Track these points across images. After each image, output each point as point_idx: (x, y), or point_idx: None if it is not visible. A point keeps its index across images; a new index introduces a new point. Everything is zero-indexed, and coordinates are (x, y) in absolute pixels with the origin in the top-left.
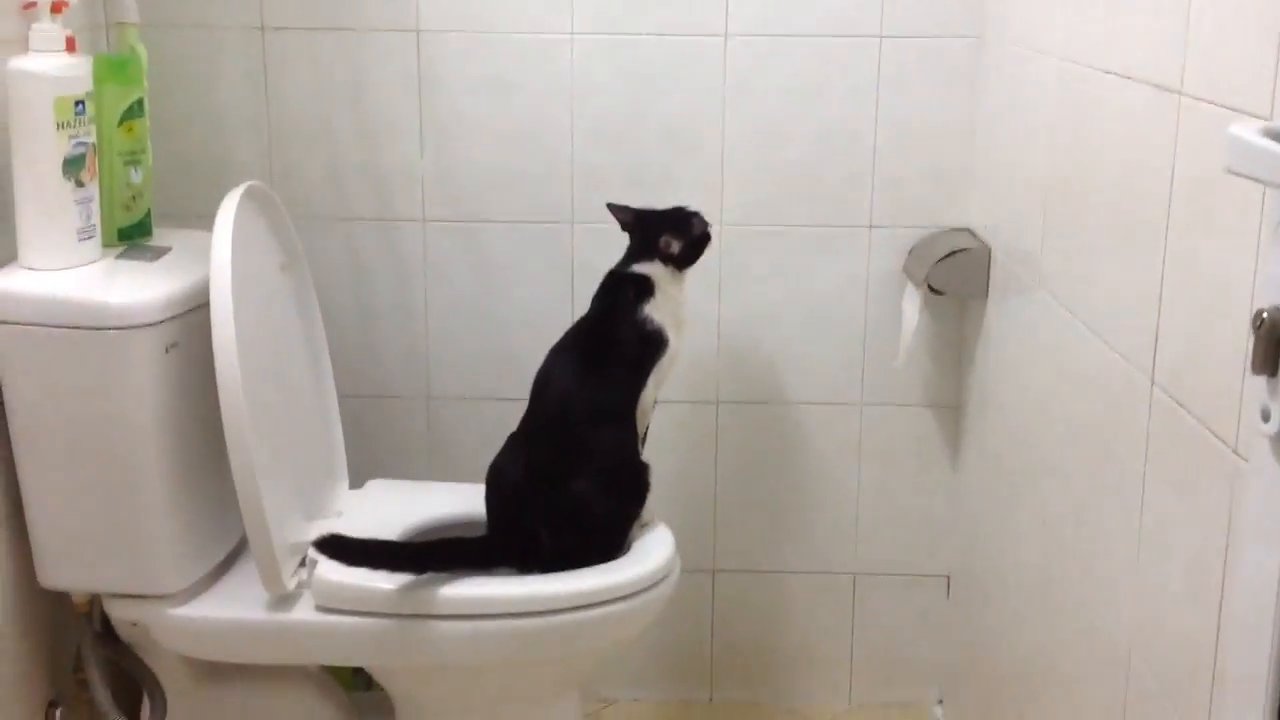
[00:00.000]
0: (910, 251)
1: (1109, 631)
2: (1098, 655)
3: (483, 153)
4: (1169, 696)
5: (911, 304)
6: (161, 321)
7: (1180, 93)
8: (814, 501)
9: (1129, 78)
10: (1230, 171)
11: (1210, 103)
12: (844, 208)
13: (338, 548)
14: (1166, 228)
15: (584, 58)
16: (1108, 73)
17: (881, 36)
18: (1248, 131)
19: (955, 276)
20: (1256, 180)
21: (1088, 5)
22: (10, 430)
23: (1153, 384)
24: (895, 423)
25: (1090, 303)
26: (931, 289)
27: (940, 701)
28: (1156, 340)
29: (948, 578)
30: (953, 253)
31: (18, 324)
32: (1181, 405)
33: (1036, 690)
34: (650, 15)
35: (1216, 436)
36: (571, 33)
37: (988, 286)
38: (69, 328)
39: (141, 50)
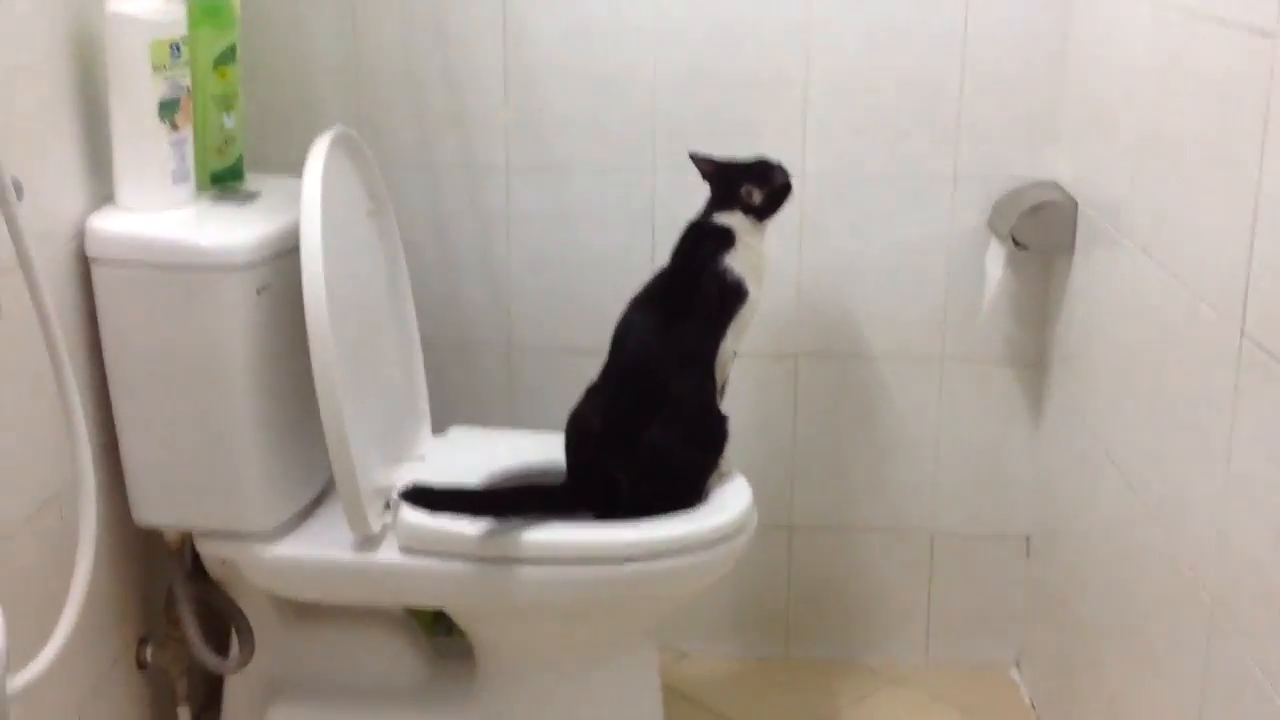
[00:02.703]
0: (995, 205)
1: (1192, 593)
2: (1180, 617)
3: (566, 101)
4: (1253, 656)
5: (995, 259)
6: (253, 264)
7: (1277, 36)
8: (892, 458)
9: (1223, 21)
10: None
11: None
12: (927, 159)
13: (422, 496)
14: (1260, 176)
15: (669, 5)
16: (1201, 17)
17: None
18: None
19: (1040, 230)
20: None
21: None
22: (106, 367)
23: (1242, 335)
24: (976, 379)
25: (1179, 255)
26: (1016, 243)
27: (1018, 663)
28: (1247, 291)
29: (1027, 538)
30: (1038, 206)
31: (114, 263)
32: (1273, 355)
33: (1116, 653)
34: None
35: None
36: None
37: (1074, 241)
38: (163, 267)
39: None
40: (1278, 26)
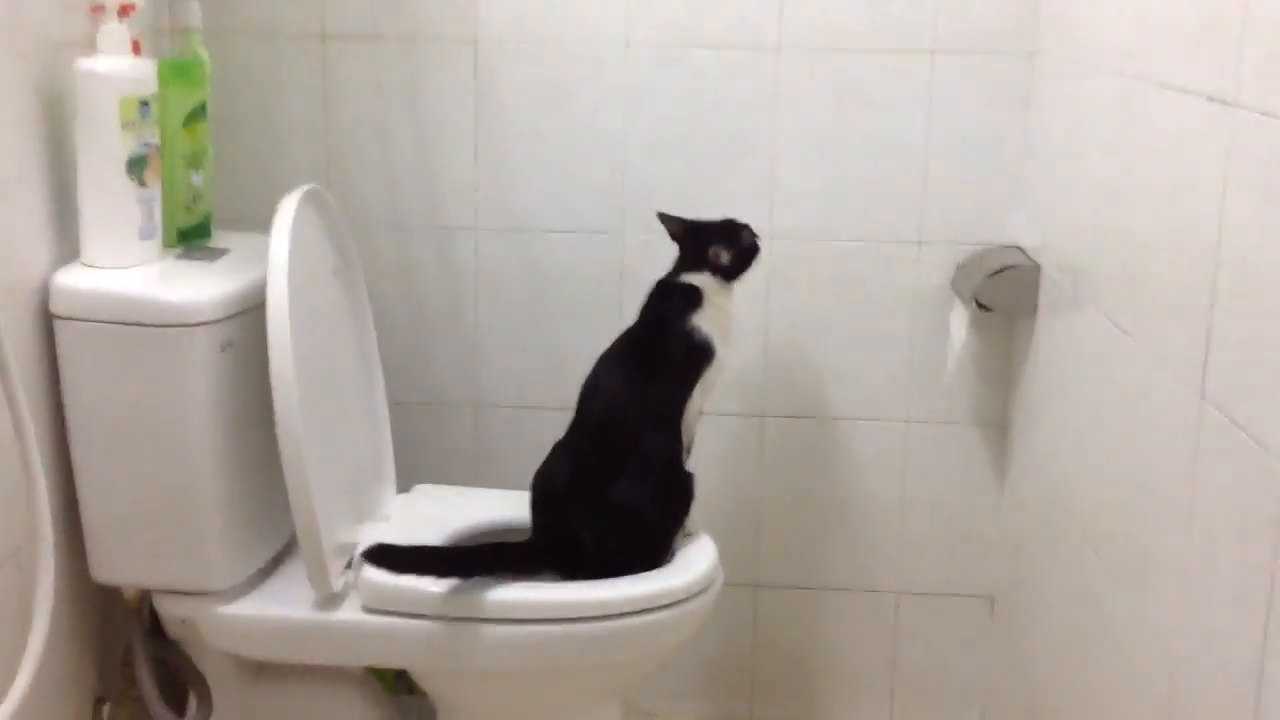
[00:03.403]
0: (959, 267)
1: (1155, 654)
2: (1143, 678)
3: (536, 162)
4: (1216, 718)
5: (959, 321)
6: (218, 320)
7: (1236, 105)
8: (858, 518)
9: (1184, 90)
10: None
11: (1265, 114)
12: (893, 223)
13: (385, 556)
14: (1219, 241)
15: (638, 69)
16: (1162, 86)
17: (934, 51)
18: None
19: (1004, 293)
20: None
21: (1142, 19)
22: (67, 424)
23: (1202, 398)
24: (941, 440)
25: (1140, 319)
26: (980, 305)
27: None
28: (1207, 355)
29: (992, 598)
30: (1002, 269)
31: (78, 319)
32: (1233, 421)
33: (1080, 712)
34: (704, 27)
35: (1268, 451)
36: (626, 44)
37: (1037, 304)
38: (127, 324)
39: (205, 55)
40: (1235, 95)
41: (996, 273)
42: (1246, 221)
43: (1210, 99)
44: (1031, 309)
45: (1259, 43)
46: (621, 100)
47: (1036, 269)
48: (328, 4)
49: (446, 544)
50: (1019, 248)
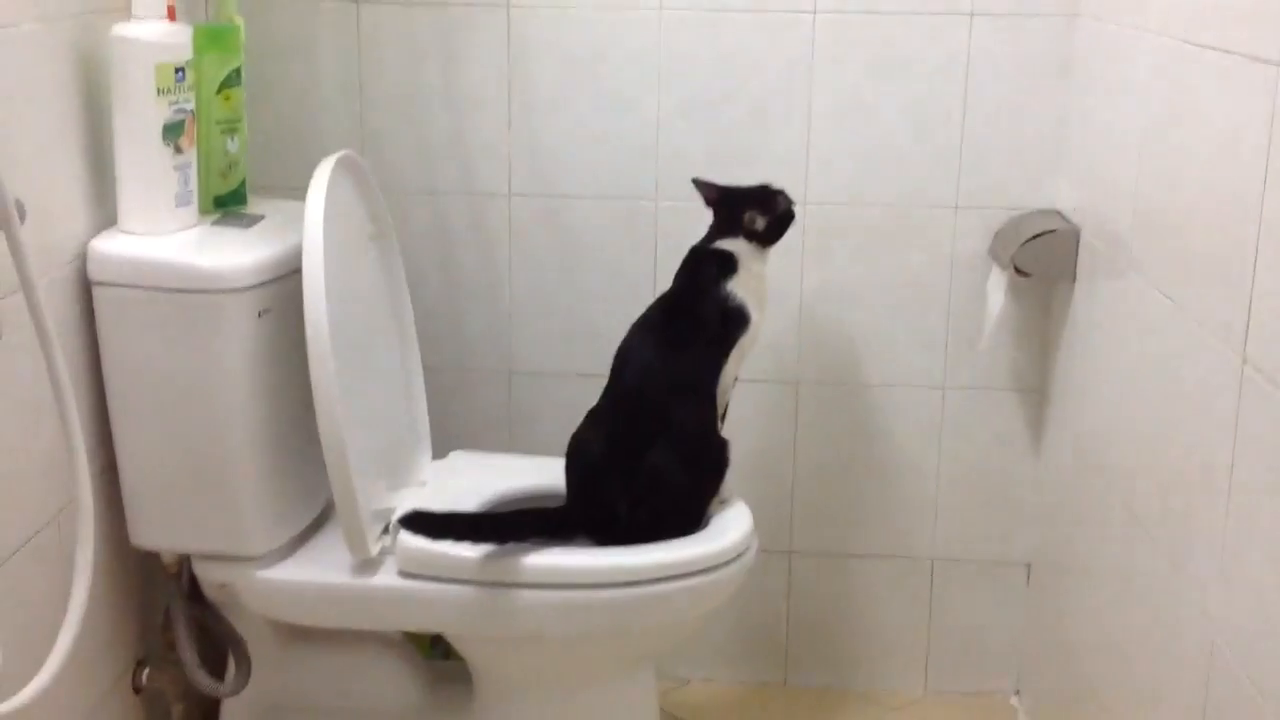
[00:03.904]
0: (996, 233)
1: (1193, 622)
2: (1181, 646)
3: (569, 128)
4: (1255, 689)
5: (997, 286)
6: (254, 286)
7: (1278, 63)
8: (893, 485)
9: (1226, 50)
10: None
11: None
12: (930, 187)
13: (421, 522)
14: (1262, 201)
15: (672, 33)
16: (1203, 46)
17: (972, 14)
18: None
19: (1042, 258)
20: None
21: None
22: (107, 390)
23: (1244, 361)
24: (978, 407)
25: (1181, 282)
26: (1018, 271)
27: (1018, 692)
28: (1249, 317)
29: (1028, 565)
30: (1040, 234)
31: (116, 285)
32: (1274, 383)
33: (1117, 681)
34: None
35: None
36: (660, 7)
37: (1075, 269)
38: (164, 290)
39: (239, 21)
40: (1279, 55)
41: (1035, 237)
42: None
43: (1255, 59)
44: (1070, 274)
45: None
46: (655, 64)
47: (1075, 233)
48: None
49: (482, 510)
50: (1058, 212)
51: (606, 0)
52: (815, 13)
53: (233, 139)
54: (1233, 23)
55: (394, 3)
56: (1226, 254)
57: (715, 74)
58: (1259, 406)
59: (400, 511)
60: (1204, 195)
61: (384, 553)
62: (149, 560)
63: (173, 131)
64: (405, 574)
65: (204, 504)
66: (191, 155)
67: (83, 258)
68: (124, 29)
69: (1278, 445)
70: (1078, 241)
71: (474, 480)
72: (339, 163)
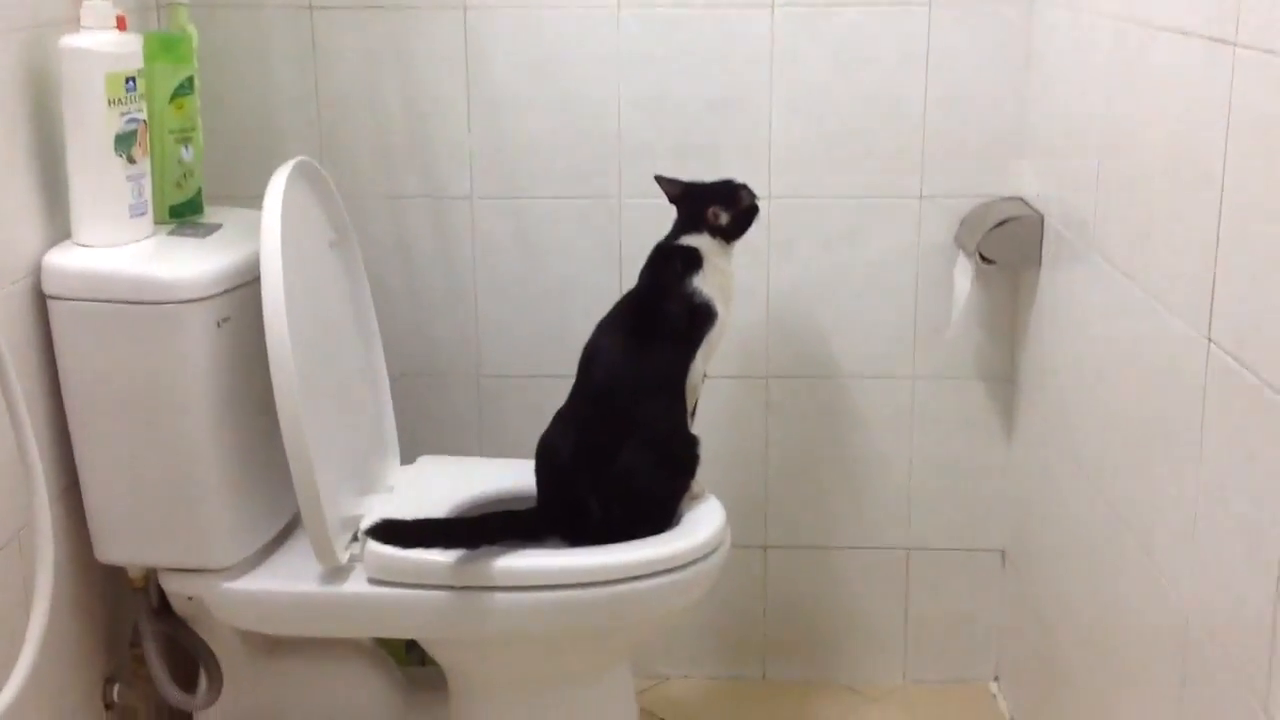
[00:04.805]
0: (961, 221)
1: (1167, 602)
2: (1156, 628)
3: (530, 129)
4: (1229, 667)
5: (963, 274)
6: (212, 296)
7: (1235, 44)
8: (866, 476)
9: (1183, 31)
10: None
11: (1266, 51)
12: (893, 177)
13: (390, 532)
14: (1222, 182)
15: (630, 30)
16: (1160, 29)
17: (931, 4)
18: None
19: (1007, 245)
20: None
21: None
22: (66, 405)
23: (1209, 341)
24: (948, 395)
25: (1145, 264)
26: (983, 258)
27: (996, 678)
28: (1213, 297)
29: (1003, 552)
30: (1004, 221)
31: (72, 299)
32: (1239, 362)
33: (1095, 665)
34: None
35: (1276, 391)
36: (618, 5)
37: (1041, 255)
38: (121, 302)
39: (192, 30)
40: (1236, 35)
41: (999, 225)
42: (1249, 161)
43: (1212, 40)
44: (1036, 260)
45: None
46: (614, 62)
47: (1040, 220)
48: None
49: (452, 515)
50: (1021, 199)
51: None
52: (774, 6)
53: (187, 148)
54: (1189, 4)
55: (348, 7)
56: (1188, 235)
57: (675, 70)
58: (1225, 385)
59: (369, 519)
60: (1164, 177)
61: (353, 560)
62: (115, 575)
63: (125, 142)
64: (375, 581)
65: (169, 517)
66: (145, 165)
67: (36, 272)
68: (73, 39)
69: (1244, 423)
70: (1042, 227)
71: (443, 485)
72: (296, 169)
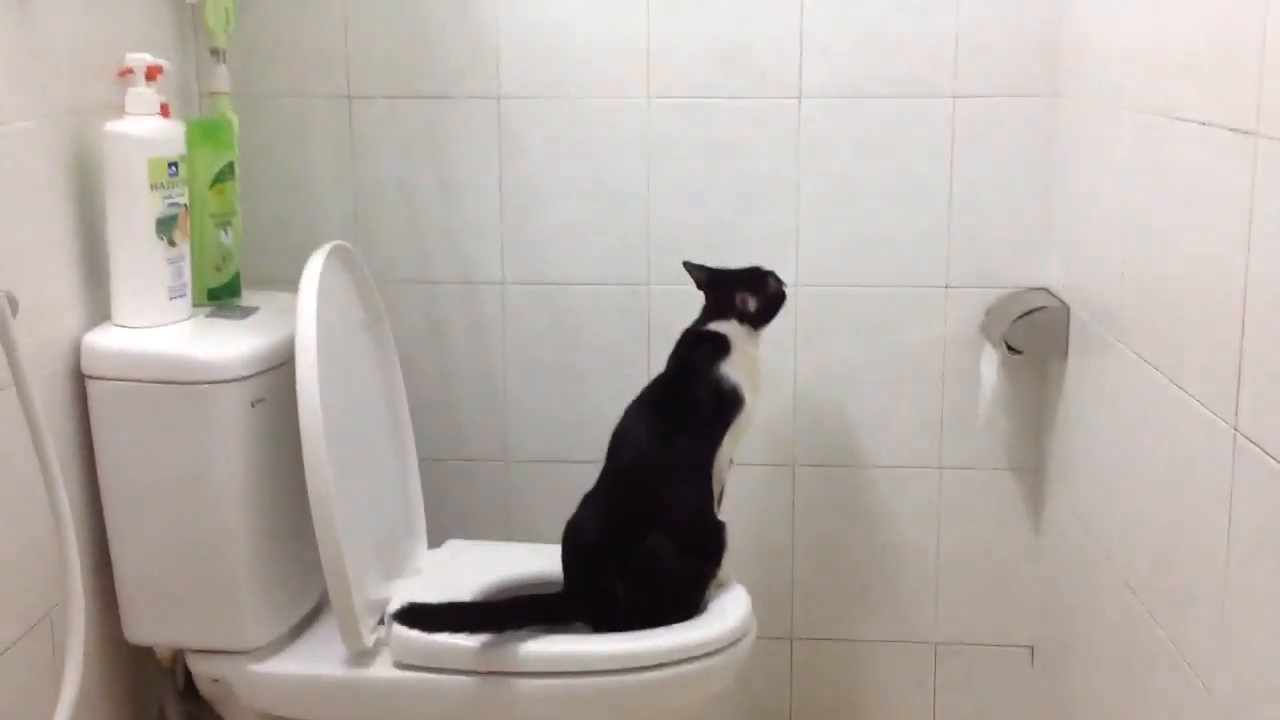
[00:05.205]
0: (987, 311)
1: (1196, 699)
2: None
3: (561, 215)
4: None
5: (990, 364)
6: (247, 377)
7: (1257, 134)
8: (893, 568)
9: (1204, 123)
10: None
11: None
12: (920, 267)
13: (417, 616)
14: (1246, 271)
15: (660, 121)
16: (1182, 120)
17: (955, 97)
18: None
19: (1034, 335)
20: None
21: (1160, 55)
22: (100, 484)
23: (1235, 430)
24: (975, 486)
25: (1171, 354)
26: (1010, 348)
27: None
28: (1239, 386)
29: (1031, 648)
30: (1030, 311)
31: (109, 379)
32: (1266, 452)
33: None
34: (725, 78)
35: None
36: (648, 96)
37: (1067, 345)
38: (158, 382)
39: (233, 117)
40: (1257, 125)
41: (1025, 315)
42: (1272, 249)
43: (1233, 130)
44: (1062, 350)
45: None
46: (645, 151)
47: (1065, 310)
48: (352, 66)
49: (478, 599)
50: (1047, 289)
51: (595, 89)
52: (801, 97)
53: (226, 232)
54: (1209, 95)
55: (385, 97)
56: (1214, 324)
57: (704, 159)
58: (1253, 477)
59: (396, 602)
60: (1189, 267)
61: (379, 644)
62: (143, 656)
63: (166, 225)
64: (401, 665)
65: (198, 598)
66: (185, 248)
67: (76, 352)
68: (117, 125)
69: (1273, 516)
70: (1068, 317)
71: (470, 569)
72: (332, 253)
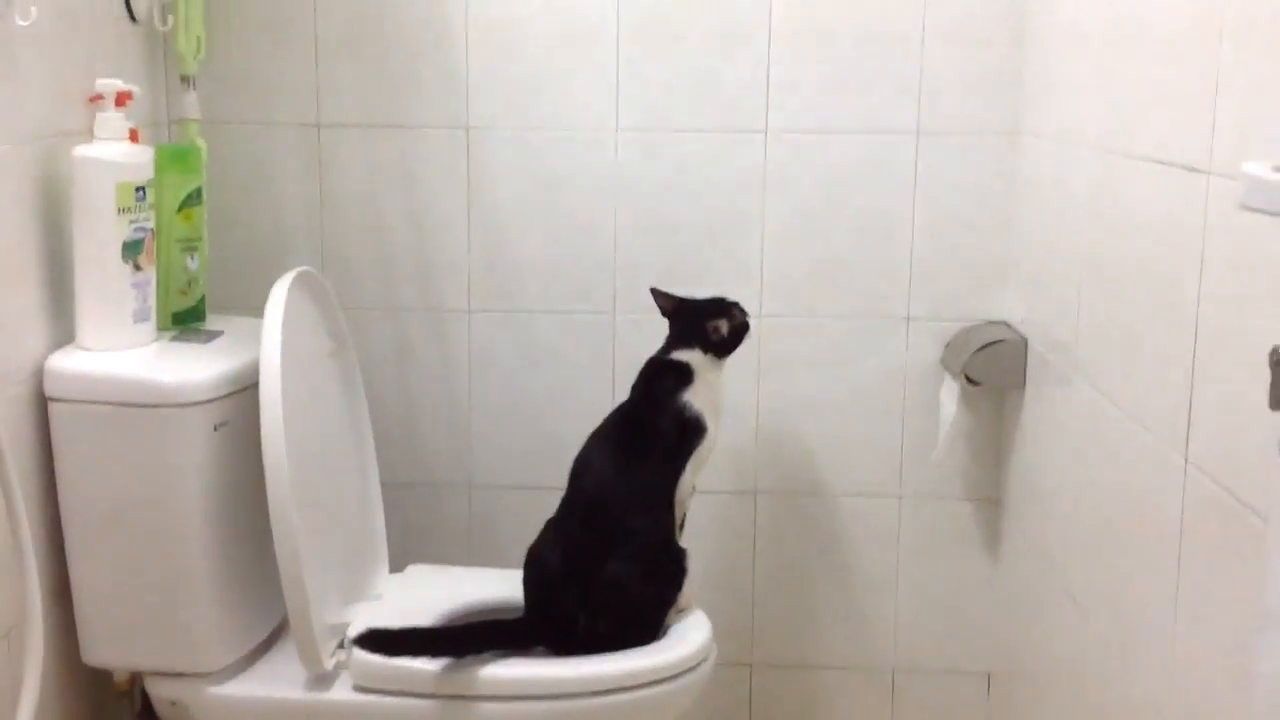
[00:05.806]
0: (947, 344)
1: None
2: None
3: (528, 245)
4: None
5: (949, 395)
6: (211, 400)
7: (1209, 172)
8: (852, 595)
9: (1160, 161)
10: (1245, 207)
11: (1237, 178)
12: (881, 300)
13: (377, 640)
14: (1198, 307)
15: (628, 153)
16: (1138, 159)
17: (918, 133)
18: (1261, 169)
19: (992, 367)
20: (1270, 214)
21: (1119, 95)
22: (61, 506)
23: (1187, 462)
24: (934, 515)
25: (1125, 387)
26: (969, 380)
27: None
28: (1190, 419)
29: (988, 675)
30: (989, 344)
31: (72, 401)
32: (1216, 482)
33: None
34: (693, 112)
35: (1252, 511)
36: (616, 129)
37: (1025, 377)
38: (121, 405)
39: (202, 144)
40: (1210, 163)
41: (984, 347)
42: (1223, 286)
43: (1188, 169)
44: (1020, 382)
45: (1230, 109)
46: (612, 183)
47: (1023, 343)
48: (322, 94)
49: (439, 624)
50: (1006, 323)
51: (564, 121)
52: (767, 132)
53: (193, 257)
54: (1166, 135)
55: (354, 125)
56: (1166, 359)
57: (671, 192)
58: (1201, 506)
59: (356, 625)
60: (1143, 302)
61: (339, 667)
62: (100, 679)
63: (132, 249)
64: (361, 688)
65: (158, 620)
66: (151, 273)
67: (39, 374)
68: (86, 149)
69: (1221, 545)
70: (1026, 350)
71: (431, 593)
72: (297, 279)
